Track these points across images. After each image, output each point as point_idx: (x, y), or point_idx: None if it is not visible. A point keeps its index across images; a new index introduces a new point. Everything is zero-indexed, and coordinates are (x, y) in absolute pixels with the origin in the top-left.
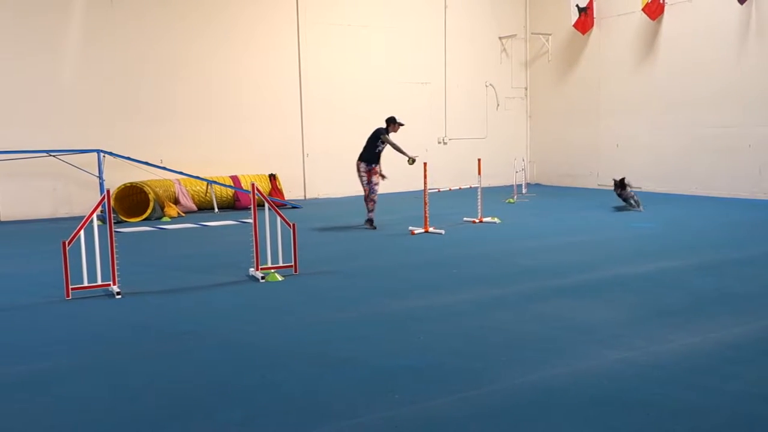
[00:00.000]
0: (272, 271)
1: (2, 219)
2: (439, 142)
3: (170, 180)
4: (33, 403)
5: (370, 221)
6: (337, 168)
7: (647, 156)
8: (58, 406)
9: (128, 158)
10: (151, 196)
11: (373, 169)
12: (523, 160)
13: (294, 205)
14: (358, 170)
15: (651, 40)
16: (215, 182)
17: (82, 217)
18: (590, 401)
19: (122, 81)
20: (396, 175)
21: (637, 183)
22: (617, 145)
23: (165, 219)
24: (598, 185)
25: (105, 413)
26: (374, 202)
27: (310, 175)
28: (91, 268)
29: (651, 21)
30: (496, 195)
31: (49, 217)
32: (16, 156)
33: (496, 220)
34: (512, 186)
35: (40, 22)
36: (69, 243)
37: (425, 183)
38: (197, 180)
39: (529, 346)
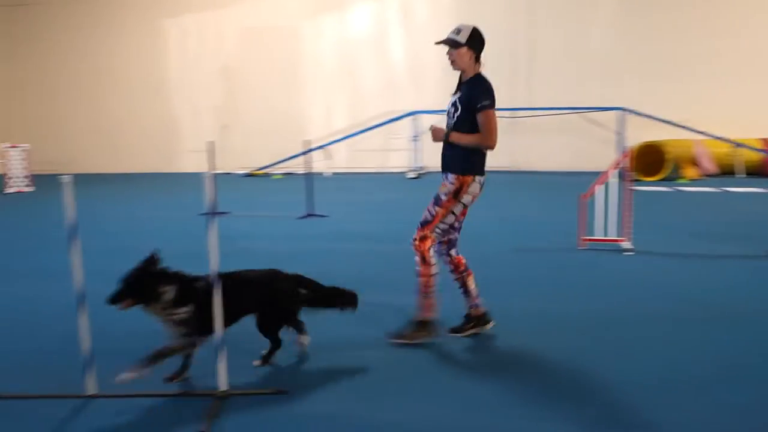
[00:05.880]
0: None
1: (521, 169)
2: None
3: (691, 140)
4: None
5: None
6: None
7: None
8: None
9: (650, 116)
10: (669, 155)
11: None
12: None
13: None
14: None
15: None
16: (742, 145)
17: (598, 173)
18: None
19: (653, 41)
20: None
21: None
22: None
23: (682, 180)
24: None
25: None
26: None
27: None
28: (605, 222)
29: None
30: None
31: (566, 170)
32: (543, 113)
33: None
34: None
35: None
36: (585, 197)
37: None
38: (721, 141)
39: None
